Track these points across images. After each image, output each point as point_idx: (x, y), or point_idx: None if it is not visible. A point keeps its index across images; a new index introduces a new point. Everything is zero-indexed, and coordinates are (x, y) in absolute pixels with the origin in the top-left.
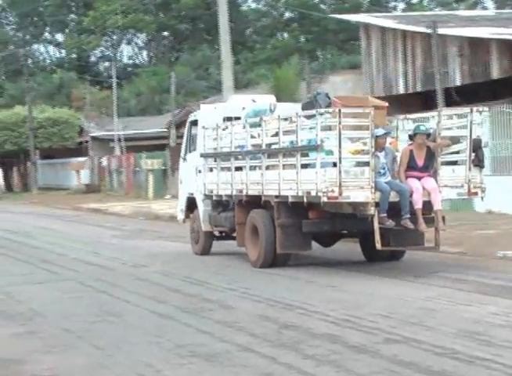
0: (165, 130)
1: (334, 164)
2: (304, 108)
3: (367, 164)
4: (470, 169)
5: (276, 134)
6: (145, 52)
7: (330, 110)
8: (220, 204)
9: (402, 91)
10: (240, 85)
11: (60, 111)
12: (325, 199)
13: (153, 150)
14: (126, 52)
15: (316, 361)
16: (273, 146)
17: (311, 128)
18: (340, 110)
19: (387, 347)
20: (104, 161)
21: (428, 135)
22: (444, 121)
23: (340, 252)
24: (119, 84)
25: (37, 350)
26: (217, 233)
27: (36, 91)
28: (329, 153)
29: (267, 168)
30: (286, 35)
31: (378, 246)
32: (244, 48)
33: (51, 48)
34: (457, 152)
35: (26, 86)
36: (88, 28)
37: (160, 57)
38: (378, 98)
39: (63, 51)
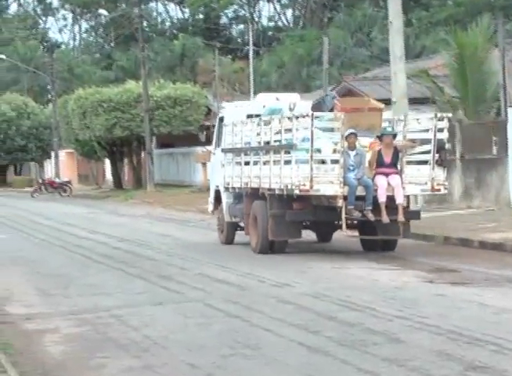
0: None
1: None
2: (313, 108)
3: (337, 161)
4: (433, 168)
5: (271, 133)
6: (289, 12)
7: (304, 114)
8: (237, 196)
9: None
10: (412, 54)
11: (183, 88)
12: (297, 191)
13: None
14: (266, 11)
15: None
16: (271, 144)
17: (291, 129)
18: (313, 114)
19: None
20: None
21: (394, 135)
22: (410, 124)
23: None
24: (257, 53)
25: None
26: (242, 224)
27: (153, 62)
28: (308, 151)
29: (264, 163)
30: None
31: (345, 233)
32: (418, 6)
33: (171, 6)
34: (424, 152)
35: (140, 56)
36: None
37: (308, 18)
38: None
39: (187, 11)
